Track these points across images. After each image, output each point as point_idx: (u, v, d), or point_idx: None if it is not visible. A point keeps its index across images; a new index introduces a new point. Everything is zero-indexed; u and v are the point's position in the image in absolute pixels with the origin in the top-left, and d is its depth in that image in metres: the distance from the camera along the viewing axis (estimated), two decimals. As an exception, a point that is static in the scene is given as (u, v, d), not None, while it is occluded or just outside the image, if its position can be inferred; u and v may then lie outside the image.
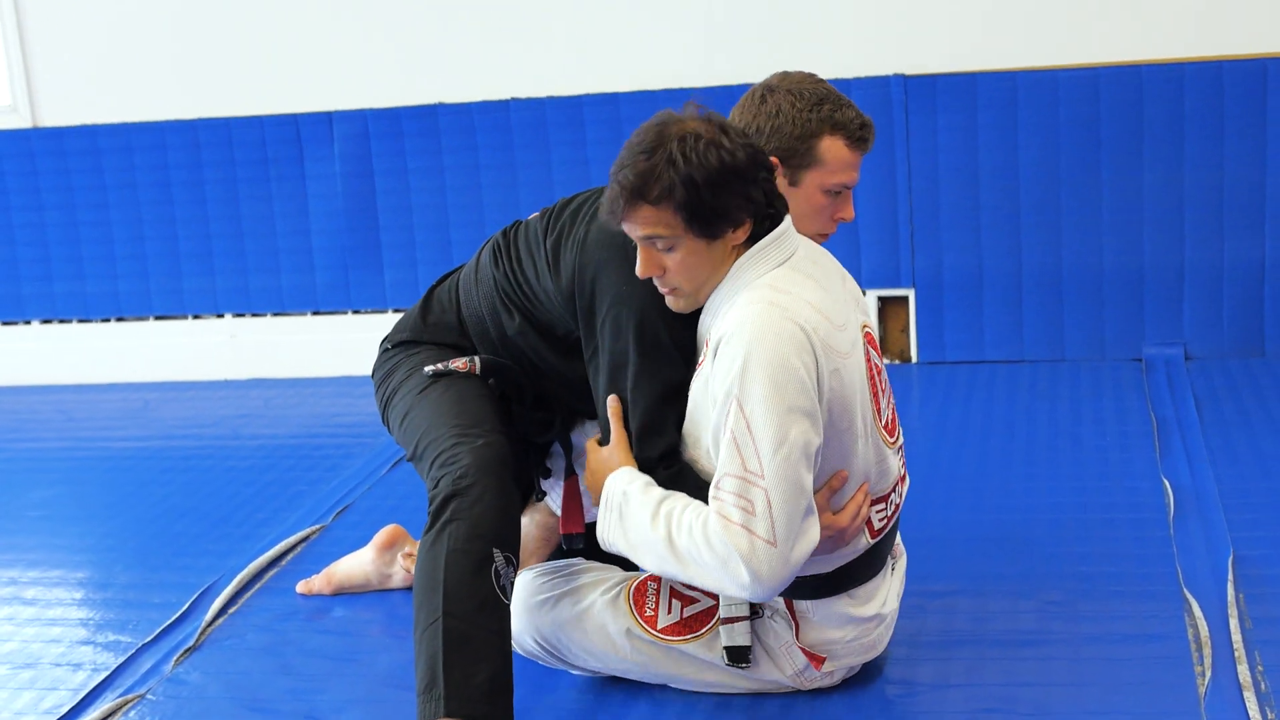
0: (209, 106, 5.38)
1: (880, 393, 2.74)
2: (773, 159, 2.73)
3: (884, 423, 2.75)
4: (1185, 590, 3.20)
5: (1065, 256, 4.92)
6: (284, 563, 3.79)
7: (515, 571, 2.77)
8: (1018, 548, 3.53)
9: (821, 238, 2.92)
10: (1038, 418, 4.49)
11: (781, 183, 2.79)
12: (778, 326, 2.50)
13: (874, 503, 2.74)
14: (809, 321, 2.53)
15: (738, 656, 2.80)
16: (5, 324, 5.75)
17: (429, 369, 3.04)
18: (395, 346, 3.21)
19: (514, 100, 5.14)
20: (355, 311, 5.44)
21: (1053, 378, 4.87)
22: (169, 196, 5.46)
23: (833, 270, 2.75)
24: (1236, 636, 2.99)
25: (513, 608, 2.81)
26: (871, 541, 2.77)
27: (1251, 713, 2.70)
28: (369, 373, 5.28)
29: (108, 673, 3.22)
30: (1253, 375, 4.71)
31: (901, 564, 3.02)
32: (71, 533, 4.15)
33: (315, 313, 5.47)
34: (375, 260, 5.37)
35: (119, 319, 5.64)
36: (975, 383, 4.90)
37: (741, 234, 2.61)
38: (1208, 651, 2.94)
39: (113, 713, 3.05)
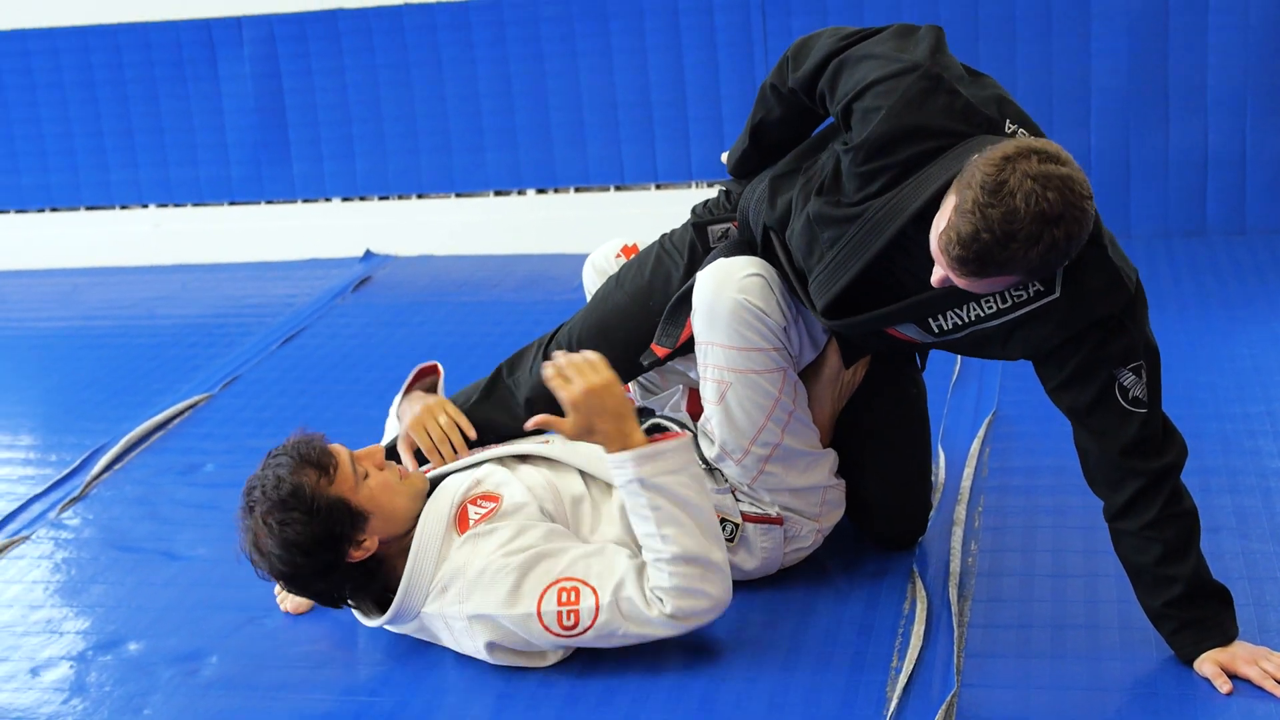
0: (127, 12, 5.76)
1: None
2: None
3: None
4: (939, 444, 3.64)
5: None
6: (170, 426, 4.26)
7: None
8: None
9: None
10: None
11: None
12: None
13: None
14: None
15: None
16: (-51, 216, 6.19)
17: None
18: None
19: (406, 6, 5.53)
20: (268, 202, 5.87)
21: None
22: (94, 96, 5.86)
23: None
24: (966, 483, 3.46)
25: None
26: None
27: (954, 544, 3.17)
28: (280, 257, 5.77)
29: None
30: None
31: None
32: (-12, 403, 4.61)
33: (231, 203, 5.90)
34: (284, 155, 5.78)
35: (52, 209, 6.07)
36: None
37: None
38: (938, 493, 3.41)
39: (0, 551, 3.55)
